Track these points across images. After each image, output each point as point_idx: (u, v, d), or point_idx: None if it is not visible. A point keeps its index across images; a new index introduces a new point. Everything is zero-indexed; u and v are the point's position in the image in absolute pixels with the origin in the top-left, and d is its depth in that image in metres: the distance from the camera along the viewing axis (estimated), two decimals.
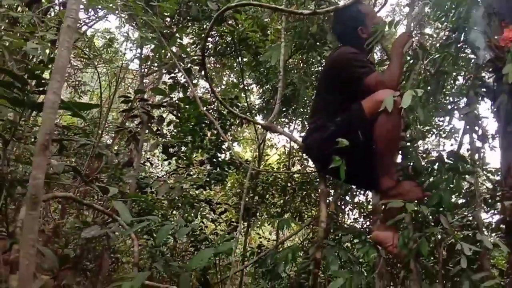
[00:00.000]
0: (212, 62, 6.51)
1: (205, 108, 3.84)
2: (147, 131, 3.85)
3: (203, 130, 4.58)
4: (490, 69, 2.15)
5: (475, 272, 1.81)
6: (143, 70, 4.96)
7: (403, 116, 1.98)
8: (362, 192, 4.23)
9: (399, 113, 1.84)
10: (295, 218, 5.00)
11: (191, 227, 2.52)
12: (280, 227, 4.87)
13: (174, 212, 4.73)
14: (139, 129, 3.82)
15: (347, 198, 4.43)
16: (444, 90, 2.68)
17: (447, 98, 2.78)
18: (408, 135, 2.25)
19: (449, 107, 2.69)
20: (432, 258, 2.17)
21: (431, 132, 4.45)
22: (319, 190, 2.34)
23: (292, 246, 2.66)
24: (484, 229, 1.98)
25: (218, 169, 4.82)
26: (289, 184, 5.21)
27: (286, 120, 5.86)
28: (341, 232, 2.77)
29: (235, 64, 5.91)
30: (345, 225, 4.09)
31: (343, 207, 4.58)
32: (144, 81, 5.10)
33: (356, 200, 4.47)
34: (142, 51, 4.97)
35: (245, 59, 5.33)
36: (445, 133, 4.40)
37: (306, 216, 5.22)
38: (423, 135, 3.56)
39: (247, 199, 4.84)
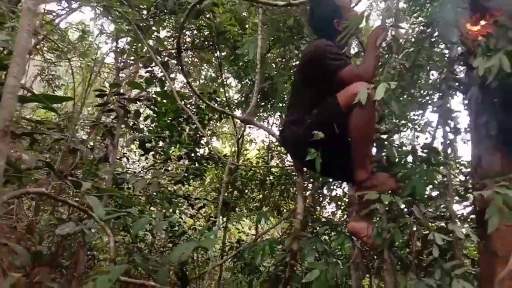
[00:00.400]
0: (190, 56, 6.44)
1: (183, 103, 3.80)
2: (123, 125, 3.79)
3: (181, 125, 4.54)
4: (462, 63, 2.20)
5: (448, 261, 1.85)
6: (119, 64, 4.88)
7: (377, 109, 2.00)
8: (339, 185, 4.28)
9: (373, 105, 1.85)
10: (273, 212, 5.02)
11: (169, 221, 2.50)
12: (258, 220, 4.89)
13: (152, 208, 4.69)
14: (115, 123, 3.76)
15: (325, 191, 4.47)
16: (418, 84, 2.73)
17: (421, 91, 2.83)
18: (383, 128, 2.28)
19: (423, 100, 2.74)
20: (406, 248, 2.21)
21: (407, 126, 4.52)
22: (296, 183, 2.35)
23: (270, 239, 2.67)
24: (456, 220, 2.02)
25: (196, 164, 4.79)
26: (267, 178, 5.22)
27: (265, 115, 5.86)
28: (318, 224, 2.79)
29: (213, 58, 5.87)
30: (322, 218, 4.12)
31: (320, 200, 4.62)
32: (120, 75, 5.01)
33: (333, 193, 4.51)
34: (117, 44, 4.89)
35: (223, 53, 5.29)
36: (420, 127, 4.47)
37: (284, 210, 5.25)
38: (398, 128, 3.62)
39: (226, 194, 4.83)
